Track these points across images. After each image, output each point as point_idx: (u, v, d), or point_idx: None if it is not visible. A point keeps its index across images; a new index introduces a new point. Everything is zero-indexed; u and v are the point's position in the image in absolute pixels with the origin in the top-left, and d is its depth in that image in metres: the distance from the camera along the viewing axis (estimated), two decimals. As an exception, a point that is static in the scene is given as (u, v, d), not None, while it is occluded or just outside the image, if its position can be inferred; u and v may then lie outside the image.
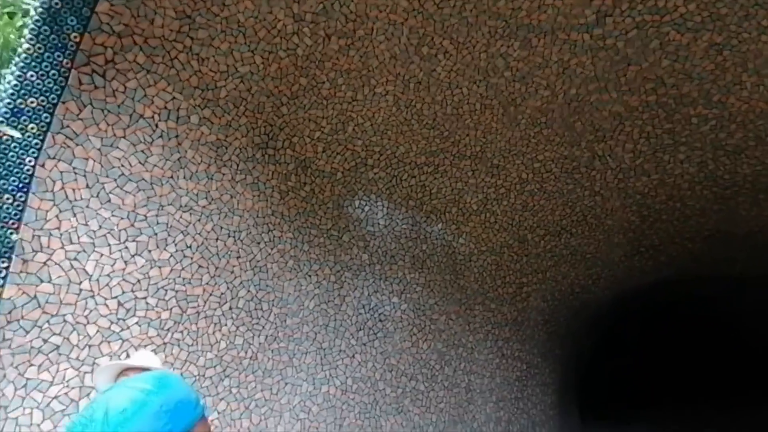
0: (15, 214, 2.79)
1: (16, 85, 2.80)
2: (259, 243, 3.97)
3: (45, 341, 2.78)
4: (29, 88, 2.83)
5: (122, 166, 3.25)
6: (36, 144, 2.87)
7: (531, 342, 5.97)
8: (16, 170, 2.80)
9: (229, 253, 3.75)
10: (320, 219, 4.47)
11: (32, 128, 2.83)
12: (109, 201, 3.15)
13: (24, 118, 2.80)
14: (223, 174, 3.80)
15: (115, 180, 3.20)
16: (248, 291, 3.82)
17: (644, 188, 5.16)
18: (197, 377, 3.38)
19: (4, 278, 2.71)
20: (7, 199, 2.76)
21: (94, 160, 3.13)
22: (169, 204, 3.47)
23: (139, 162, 3.34)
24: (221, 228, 3.74)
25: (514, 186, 5.27)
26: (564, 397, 6.68)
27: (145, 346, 3.19)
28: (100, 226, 3.09)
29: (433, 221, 5.22)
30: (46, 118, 2.89)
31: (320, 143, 4.43)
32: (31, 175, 2.83)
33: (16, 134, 2.56)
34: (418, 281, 5.03)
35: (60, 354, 2.81)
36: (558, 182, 5.24)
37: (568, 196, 5.37)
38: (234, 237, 3.81)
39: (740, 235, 5.51)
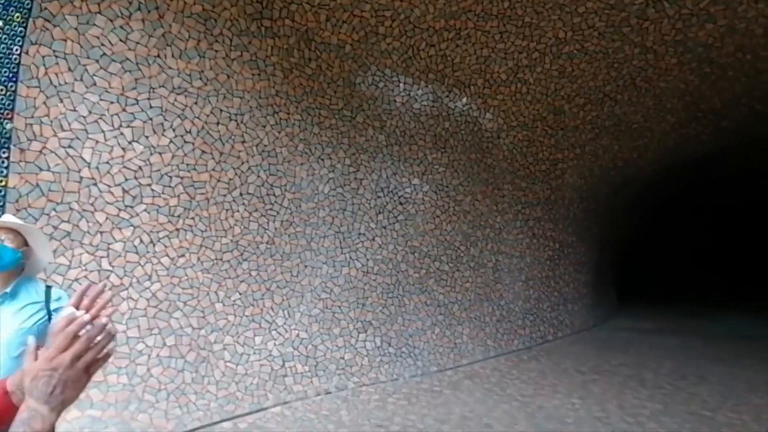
0: (8, 104, 2.75)
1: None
2: (264, 126, 3.81)
3: (55, 228, 2.88)
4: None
5: (102, 45, 3.07)
6: (21, 32, 2.78)
7: (565, 221, 5.76)
8: (6, 61, 2.72)
9: (233, 137, 3.63)
10: (330, 98, 4.21)
11: (17, 17, 2.71)
12: (95, 84, 3.03)
13: (11, 8, 2.66)
14: (216, 51, 3.54)
15: (97, 61, 3.05)
16: (258, 176, 3.75)
17: (708, 38, 4.44)
18: (215, 261, 3.48)
19: (6, 168, 2.74)
20: (1, 90, 2.69)
21: (72, 41, 2.96)
22: (160, 86, 3.32)
23: (120, 39, 3.13)
24: (221, 111, 3.58)
25: (549, 48, 4.68)
26: (600, 276, 6.61)
27: (157, 232, 3.26)
28: (90, 112, 3.01)
29: (456, 95, 4.82)
30: (27, 4, 2.72)
31: (323, 11, 4.00)
32: (18, 64, 2.75)
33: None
34: (441, 161, 4.80)
35: (72, 240, 2.91)
36: (602, 40, 4.60)
37: (613, 56, 4.74)
38: (236, 120, 3.66)
39: (822, 89, 4.78)
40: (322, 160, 4.14)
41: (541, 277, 5.53)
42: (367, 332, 4.16)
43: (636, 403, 3.59)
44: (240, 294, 3.59)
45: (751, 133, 5.85)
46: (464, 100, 4.85)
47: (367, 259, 4.30)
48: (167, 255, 3.31)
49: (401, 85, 4.55)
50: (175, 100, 3.38)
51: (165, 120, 3.32)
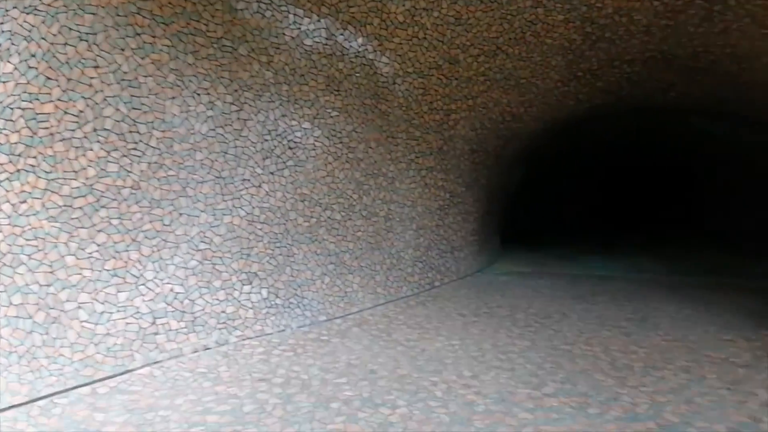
0: None
1: None
2: (123, 50, 3.27)
3: None
4: None
5: None
6: None
7: (456, 172, 5.93)
8: None
9: (82, 61, 3.07)
10: (207, 24, 3.72)
11: None
12: None
13: None
14: (55, -50, 2.89)
15: None
16: (117, 110, 3.25)
17: (591, -2, 4.64)
18: (63, 208, 3.00)
19: None
20: None
21: None
22: (13, 7, 2.77)
23: None
24: (70, 29, 2.99)
25: (447, -8, 4.57)
26: (486, 225, 7.02)
27: (-15, 172, 2.71)
28: None
29: (352, 35, 4.55)
30: None
31: None
32: None
33: None
34: (334, 105, 4.57)
35: None
36: (497, -12, 4.58)
37: (507, 7, 4.78)
38: (87, 41, 3.09)
39: (682, 56, 5.30)
40: (198, 95, 3.70)
41: (431, 225, 5.69)
42: (252, 284, 3.96)
43: (508, 341, 3.91)
44: (98, 246, 3.17)
45: (622, 95, 6.42)
46: (359, 40, 4.60)
47: (253, 207, 4.03)
48: (8, 201, 2.80)
49: (291, 16, 4.17)
50: (24, 20, 2.80)
51: (12, 44, 2.76)
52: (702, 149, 9.69)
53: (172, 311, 3.49)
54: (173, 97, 3.56)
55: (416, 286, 5.44)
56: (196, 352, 3.52)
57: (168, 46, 3.50)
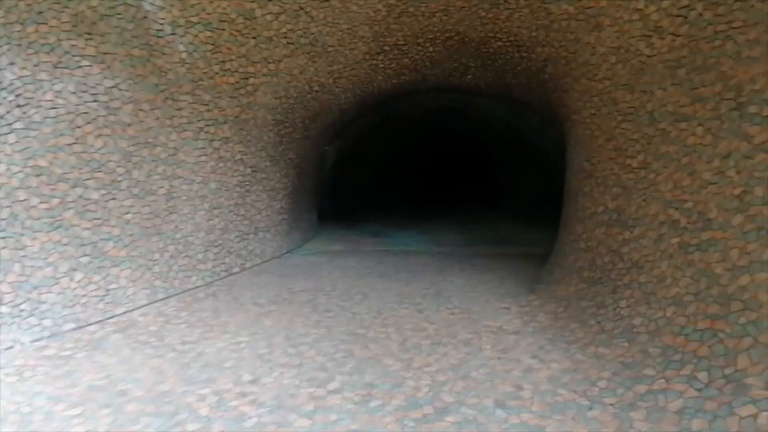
0: None
1: None
2: None
3: None
4: None
5: None
6: None
7: (258, 144, 5.41)
8: None
9: None
10: None
11: None
12: None
13: None
14: None
15: None
16: None
17: (393, -33, 4.51)
18: None
19: None
20: None
21: None
22: None
23: None
24: None
25: (235, -68, 3.93)
26: (298, 203, 6.69)
27: None
28: None
29: (109, -36, 3.63)
30: None
31: None
32: None
33: None
34: (85, 53, 3.62)
35: None
36: (295, -62, 4.12)
37: (307, -38, 4.36)
38: None
39: (476, 40, 5.60)
40: None
41: (228, 205, 5.10)
42: (-51, 290, 2.92)
43: (303, 331, 3.65)
44: None
45: (426, 74, 6.62)
46: (121, -27, 3.70)
47: (-52, 185, 2.95)
48: None
49: (7, -77, 3.09)
50: None
51: None
52: (492, 131, 10.84)
53: None
54: None
55: (209, 274, 4.84)
56: None
57: None
